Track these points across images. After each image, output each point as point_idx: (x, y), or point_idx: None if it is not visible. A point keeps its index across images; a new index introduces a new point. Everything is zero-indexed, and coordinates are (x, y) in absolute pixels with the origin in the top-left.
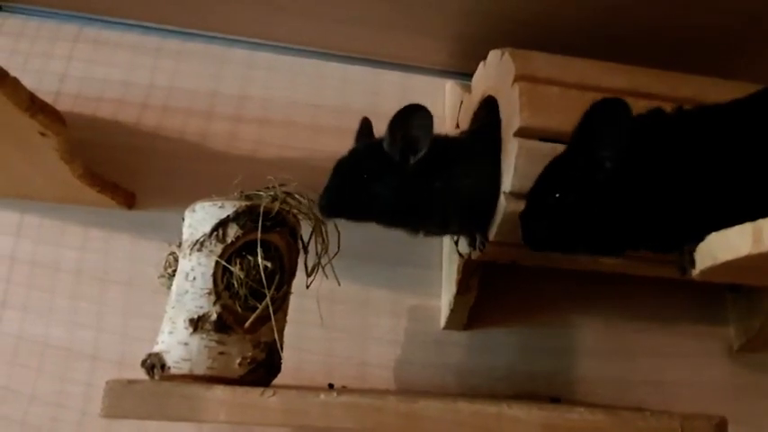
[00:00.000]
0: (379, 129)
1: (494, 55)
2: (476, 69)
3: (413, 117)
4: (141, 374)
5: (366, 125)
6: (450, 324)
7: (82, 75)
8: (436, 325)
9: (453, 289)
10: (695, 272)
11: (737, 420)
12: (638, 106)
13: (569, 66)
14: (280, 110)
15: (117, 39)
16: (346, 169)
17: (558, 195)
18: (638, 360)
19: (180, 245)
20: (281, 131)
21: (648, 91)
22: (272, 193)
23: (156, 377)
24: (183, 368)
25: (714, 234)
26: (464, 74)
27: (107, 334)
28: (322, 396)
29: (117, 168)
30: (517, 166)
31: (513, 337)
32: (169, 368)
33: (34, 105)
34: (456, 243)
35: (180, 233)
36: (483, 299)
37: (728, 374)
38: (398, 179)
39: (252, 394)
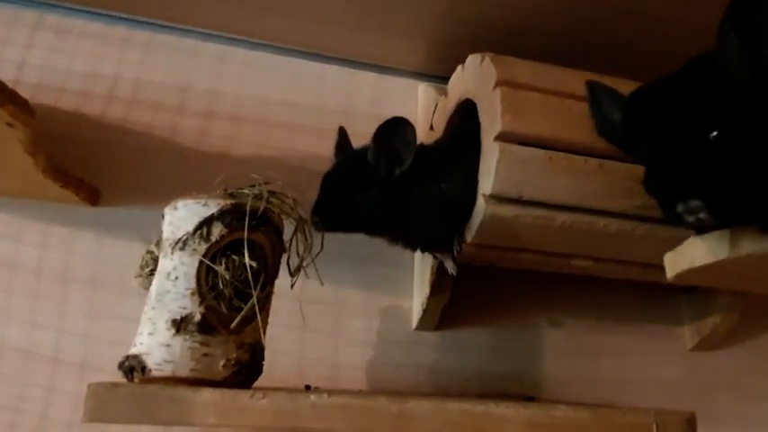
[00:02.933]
0: (354, 129)
1: (473, 59)
2: (449, 72)
3: (396, 131)
4: (105, 378)
5: (343, 135)
6: (423, 324)
7: (42, 64)
8: (408, 325)
9: (426, 289)
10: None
11: None
12: None
13: (548, 73)
14: (253, 107)
15: (81, 27)
16: (334, 184)
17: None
18: (602, 359)
19: (158, 243)
20: (255, 129)
21: None
22: (256, 191)
23: (136, 380)
24: (166, 370)
25: (692, 238)
26: (437, 76)
27: (69, 335)
28: (312, 398)
29: (80, 163)
30: (498, 170)
31: (483, 337)
32: (150, 370)
33: (3, 94)
34: None
35: (149, 231)
36: (455, 299)
37: (684, 372)
38: (383, 190)
39: (242, 396)
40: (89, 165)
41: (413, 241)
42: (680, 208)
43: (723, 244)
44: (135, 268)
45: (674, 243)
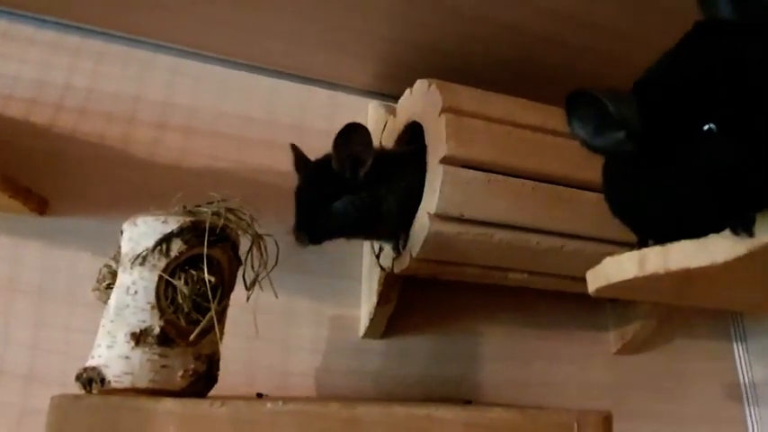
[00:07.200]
0: (307, 144)
1: (421, 84)
2: (398, 91)
3: (354, 135)
4: (52, 389)
5: (297, 152)
6: (370, 333)
7: None
8: (355, 334)
9: (374, 300)
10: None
11: (615, 413)
12: (546, 142)
13: (490, 100)
14: (206, 120)
15: (30, 34)
16: (308, 199)
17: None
18: (535, 363)
19: (116, 257)
20: (207, 142)
21: (555, 129)
22: (215, 208)
23: (95, 391)
24: (125, 382)
25: (608, 258)
26: (387, 95)
27: (14, 346)
28: (269, 405)
29: (28, 172)
30: (442, 191)
31: (426, 344)
32: (109, 382)
33: None
34: (378, 257)
35: (98, 241)
36: (400, 309)
37: (608, 374)
38: (354, 192)
39: (201, 405)
40: (37, 174)
41: (385, 235)
42: None
43: (632, 263)
44: (83, 279)
45: (598, 259)
